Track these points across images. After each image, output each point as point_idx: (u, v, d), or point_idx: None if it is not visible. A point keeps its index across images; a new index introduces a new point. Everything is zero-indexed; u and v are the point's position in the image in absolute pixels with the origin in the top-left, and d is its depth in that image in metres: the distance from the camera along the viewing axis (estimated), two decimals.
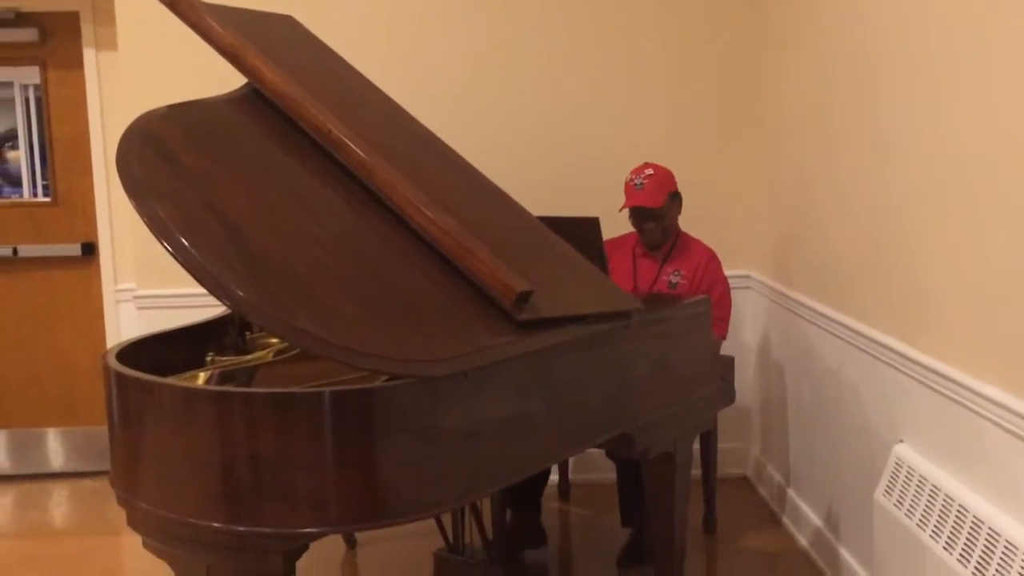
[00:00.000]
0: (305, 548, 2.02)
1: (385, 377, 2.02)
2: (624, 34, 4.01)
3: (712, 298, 3.22)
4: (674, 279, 3.41)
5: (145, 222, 1.93)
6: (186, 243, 1.90)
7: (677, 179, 3.46)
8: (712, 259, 3.46)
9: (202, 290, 1.91)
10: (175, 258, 1.90)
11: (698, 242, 3.51)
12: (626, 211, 3.44)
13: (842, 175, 3.08)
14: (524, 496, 3.50)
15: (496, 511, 3.18)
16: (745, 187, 4.08)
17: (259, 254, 2.00)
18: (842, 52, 3.05)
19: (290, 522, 1.92)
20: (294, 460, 1.91)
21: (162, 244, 1.91)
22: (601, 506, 3.90)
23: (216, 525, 1.94)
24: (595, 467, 4.01)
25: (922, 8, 2.48)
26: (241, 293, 1.88)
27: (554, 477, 3.90)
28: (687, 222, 3.56)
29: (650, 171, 3.40)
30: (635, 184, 3.39)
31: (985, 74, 2.17)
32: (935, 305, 2.44)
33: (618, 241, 3.51)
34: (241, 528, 1.93)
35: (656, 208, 3.37)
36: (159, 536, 2.09)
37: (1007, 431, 2.08)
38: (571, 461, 4.10)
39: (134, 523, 2.14)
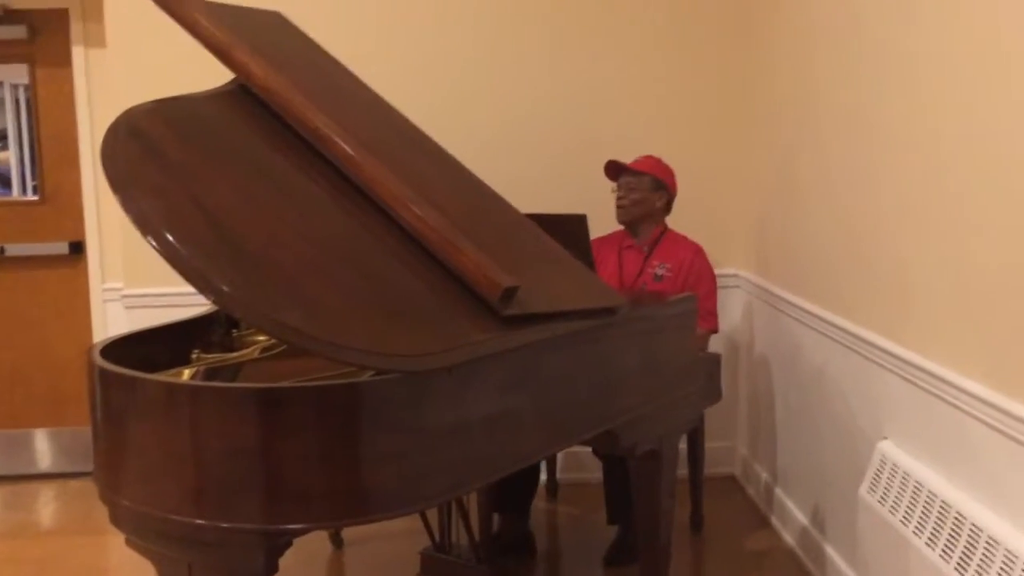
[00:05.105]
0: (288, 544, 2.01)
1: (372, 372, 2.02)
2: (612, 32, 4.02)
3: (699, 292, 3.24)
4: (660, 271, 3.44)
5: (130, 217, 1.92)
6: (171, 238, 1.89)
7: None
8: (698, 253, 3.49)
9: (189, 289, 1.90)
10: (160, 253, 1.89)
11: (684, 237, 3.54)
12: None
13: (828, 175, 3.09)
14: (512, 500, 3.49)
15: (483, 514, 3.18)
16: (733, 187, 4.09)
17: (245, 249, 1.99)
18: (828, 53, 3.06)
19: (274, 518, 1.91)
20: (278, 455, 1.90)
21: (147, 239, 1.90)
22: (588, 505, 3.90)
23: (199, 521, 1.93)
24: (583, 466, 4.02)
25: (907, 6, 2.49)
26: (226, 288, 1.87)
27: (542, 476, 3.90)
28: (676, 221, 3.58)
29: (652, 157, 3.51)
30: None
31: (969, 74, 2.18)
32: (919, 302, 2.45)
33: (605, 239, 3.53)
34: (224, 524, 1.92)
35: (634, 169, 3.44)
36: (142, 533, 2.08)
37: (989, 427, 2.09)
38: (559, 460, 4.11)
39: (117, 520, 2.12)
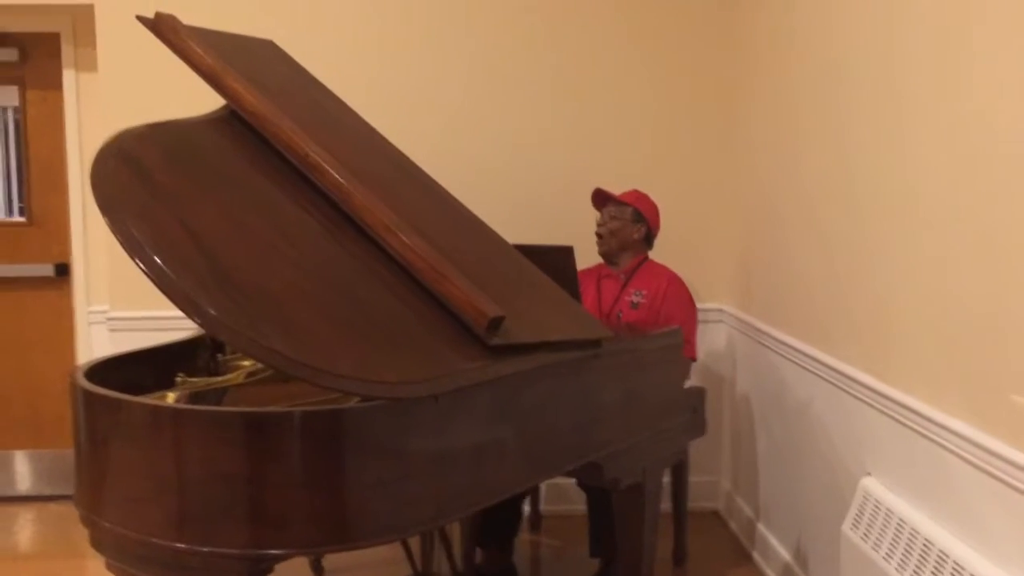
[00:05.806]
0: (269, 571, 2.00)
1: (357, 398, 2.02)
2: (601, 70, 4.05)
3: (675, 320, 3.26)
4: (635, 298, 3.46)
5: (118, 239, 1.92)
6: (159, 261, 1.90)
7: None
8: (673, 281, 3.50)
9: (175, 313, 1.90)
10: (147, 276, 1.89)
11: (663, 266, 3.56)
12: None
13: (811, 211, 3.11)
14: (496, 535, 3.47)
15: (466, 547, 3.16)
16: (717, 223, 4.12)
17: (232, 274, 2.00)
18: (812, 92, 3.09)
19: (255, 543, 1.91)
20: (261, 480, 1.90)
21: (135, 262, 1.90)
22: (571, 537, 3.88)
23: (180, 545, 1.92)
24: (566, 498, 4.01)
25: (889, 39, 2.52)
26: (213, 312, 1.87)
27: (525, 508, 3.89)
28: (661, 256, 3.59)
29: (639, 191, 3.56)
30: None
31: (951, 107, 2.21)
32: (901, 339, 2.47)
33: (587, 271, 3.55)
34: (205, 548, 1.91)
35: (618, 199, 3.50)
36: (122, 557, 2.07)
37: (971, 464, 2.10)
38: (543, 491, 4.09)
39: (97, 543, 2.11)
